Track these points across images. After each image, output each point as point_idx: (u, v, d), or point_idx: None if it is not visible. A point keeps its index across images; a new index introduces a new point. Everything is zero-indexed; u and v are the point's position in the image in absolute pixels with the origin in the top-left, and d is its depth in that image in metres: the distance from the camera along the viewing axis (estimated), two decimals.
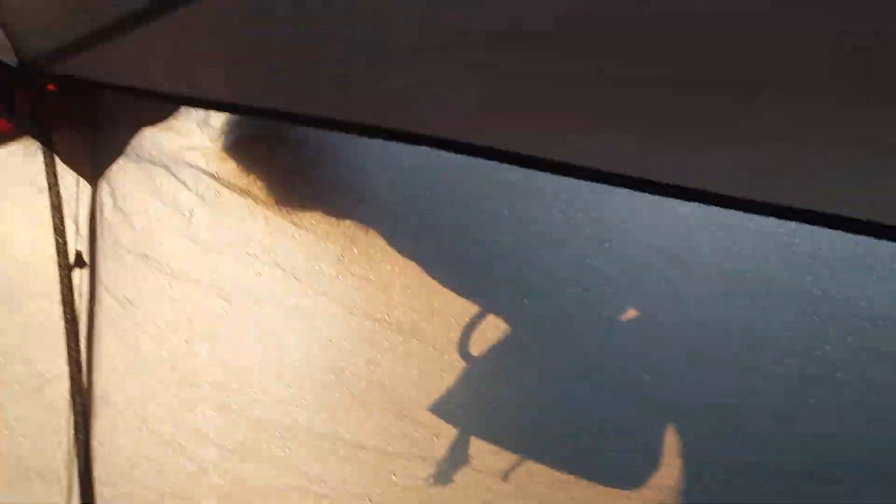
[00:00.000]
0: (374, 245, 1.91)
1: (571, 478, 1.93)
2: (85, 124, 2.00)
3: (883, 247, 1.49)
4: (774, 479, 1.72)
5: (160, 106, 1.94)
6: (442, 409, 2.02)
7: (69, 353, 2.15)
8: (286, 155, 1.94)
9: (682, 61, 1.10)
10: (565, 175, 1.31)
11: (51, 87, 1.81)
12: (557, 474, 1.94)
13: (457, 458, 2.06)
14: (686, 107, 1.19)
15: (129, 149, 2.05)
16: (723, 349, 1.68)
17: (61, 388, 2.37)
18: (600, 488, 1.90)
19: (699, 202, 1.30)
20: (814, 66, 1.09)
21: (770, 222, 1.56)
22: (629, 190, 1.49)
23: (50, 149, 1.89)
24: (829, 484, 1.69)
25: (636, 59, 1.11)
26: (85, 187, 2.14)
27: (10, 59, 1.62)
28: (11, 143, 2.01)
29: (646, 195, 1.58)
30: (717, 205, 1.30)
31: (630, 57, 1.11)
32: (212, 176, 1.98)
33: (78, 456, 2.42)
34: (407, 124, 1.38)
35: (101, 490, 2.52)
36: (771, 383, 1.66)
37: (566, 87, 1.19)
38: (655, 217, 1.63)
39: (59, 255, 1.97)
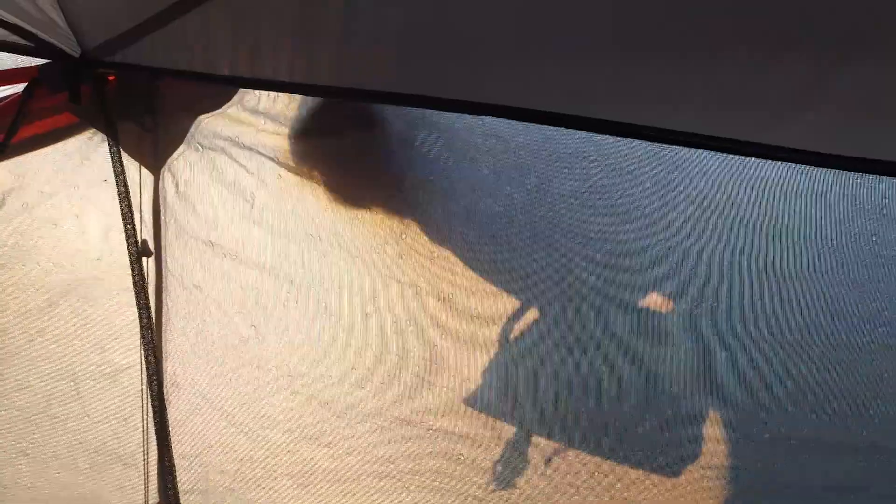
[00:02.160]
0: (435, 225, 1.88)
1: (626, 459, 1.89)
2: (145, 114, 2.02)
3: None
4: (866, 457, 1.64)
5: (217, 92, 1.95)
6: (507, 390, 1.98)
7: (143, 340, 2.19)
8: (349, 144, 1.92)
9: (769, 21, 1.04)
10: (631, 137, 1.25)
11: (111, 77, 1.83)
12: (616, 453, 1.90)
13: (521, 439, 2.03)
14: (774, 71, 1.12)
15: (188, 136, 2.06)
16: (808, 323, 1.59)
17: (133, 377, 2.43)
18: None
19: (784, 161, 1.22)
20: None
21: (856, 185, 1.46)
22: (700, 153, 1.43)
23: (115, 139, 1.91)
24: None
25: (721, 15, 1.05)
26: (148, 177, 2.17)
27: (74, 50, 1.63)
28: (77, 135, 2.05)
29: (716, 161, 1.52)
30: (804, 163, 1.22)
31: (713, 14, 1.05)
32: (272, 159, 1.97)
33: (163, 442, 2.48)
34: (469, 94, 1.34)
35: (176, 474, 2.59)
36: (862, 356, 1.57)
37: (643, 53, 1.13)
38: (730, 185, 1.55)
39: (128, 243, 2.01)
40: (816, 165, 1.19)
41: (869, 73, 1.08)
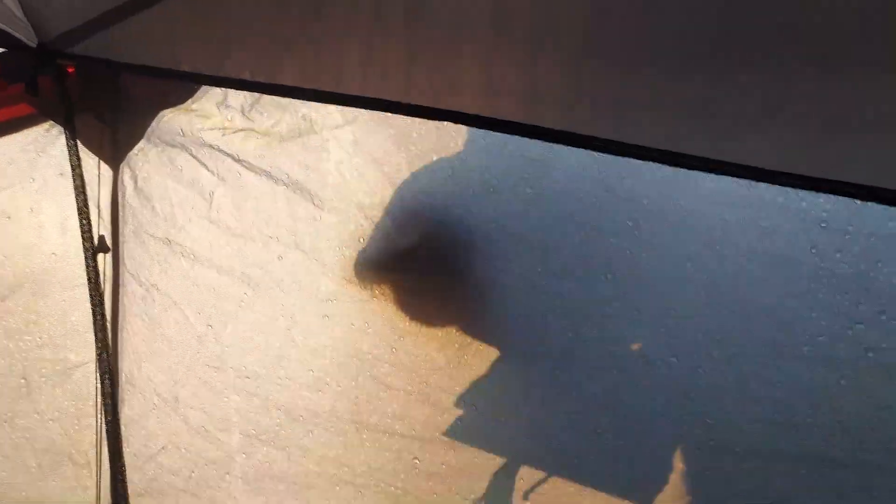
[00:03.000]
0: (394, 227, 1.89)
1: (600, 462, 1.91)
2: (104, 107, 2.00)
3: None
4: (805, 465, 1.68)
5: (179, 87, 1.94)
6: (465, 393, 2.00)
7: (96, 337, 2.16)
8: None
9: (719, 38, 1.08)
10: (591, 149, 1.28)
11: (70, 69, 1.81)
12: (585, 457, 1.92)
13: (481, 444, 2.04)
14: (725, 85, 1.16)
15: (148, 131, 2.04)
16: (751, 332, 1.63)
17: (88, 374, 2.39)
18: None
19: (730, 175, 1.26)
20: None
21: (798, 198, 1.51)
22: (656, 165, 1.46)
23: (72, 132, 1.89)
24: (860, 470, 1.65)
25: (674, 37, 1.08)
26: (106, 171, 2.15)
27: (31, 40, 1.62)
28: (34, 127, 2.03)
29: (668, 171, 1.55)
30: (749, 178, 1.26)
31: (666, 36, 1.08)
32: (232, 157, 1.97)
33: (113, 439, 2.45)
34: (430, 100, 1.36)
35: (128, 474, 2.55)
36: (801, 365, 1.62)
37: (600, 61, 1.16)
38: (683, 196, 1.59)
39: (83, 238, 1.98)
40: (758, 181, 1.24)
41: (821, 91, 1.13)
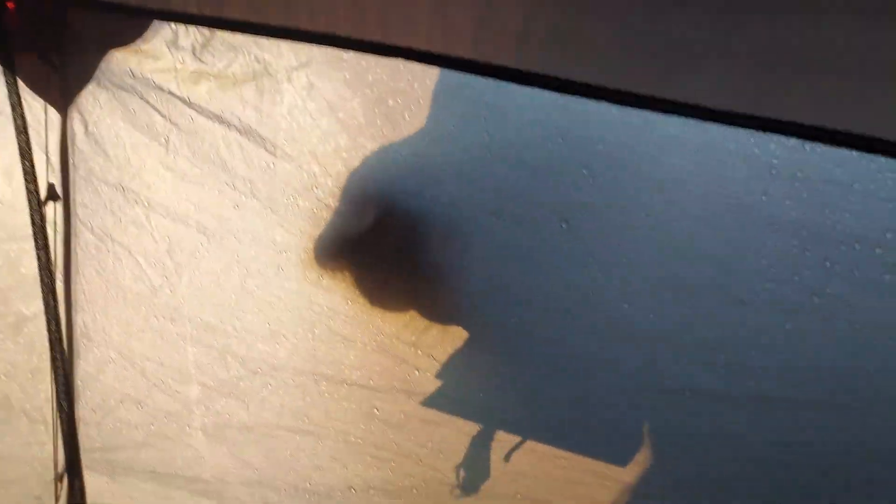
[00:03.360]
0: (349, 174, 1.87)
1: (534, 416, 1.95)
2: (50, 47, 1.93)
3: (862, 168, 1.46)
4: (751, 406, 1.73)
5: (127, 25, 1.87)
6: (420, 341, 2.01)
7: (43, 284, 2.12)
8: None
9: None
10: (542, 87, 1.27)
11: (10, 4, 1.74)
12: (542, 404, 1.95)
13: (439, 393, 2.06)
14: (677, 18, 1.16)
15: (97, 73, 1.98)
16: (702, 277, 1.66)
17: (41, 327, 2.35)
18: (580, 418, 1.91)
19: (681, 115, 1.27)
20: None
21: (750, 144, 1.52)
22: (607, 109, 1.46)
23: (10, 67, 1.82)
24: (805, 410, 1.69)
25: None
26: (55, 116, 2.08)
27: None
28: None
29: (623, 116, 1.56)
30: (699, 118, 1.26)
31: None
32: (185, 101, 1.92)
33: (59, 395, 2.42)
34: (384, 36, 1.34)
35: (85, 430, 2.53)
36: (749, 311, 1.65)
37: None
38: (636, 140, 1.59)
39: (26, 181, 1.93)
40: (710, 121, 1.24)
41: (763, 29, 1.13)
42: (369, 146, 1.79)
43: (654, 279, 1.67)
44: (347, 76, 1.76)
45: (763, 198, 1.55)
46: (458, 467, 2.09)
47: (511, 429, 1.98)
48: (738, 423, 1.75)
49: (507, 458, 1.99)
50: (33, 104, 2.00)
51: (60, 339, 2.23)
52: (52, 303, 2.07)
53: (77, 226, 2.21)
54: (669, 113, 1.29)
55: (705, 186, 1.55)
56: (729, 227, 1.58)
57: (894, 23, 1.09)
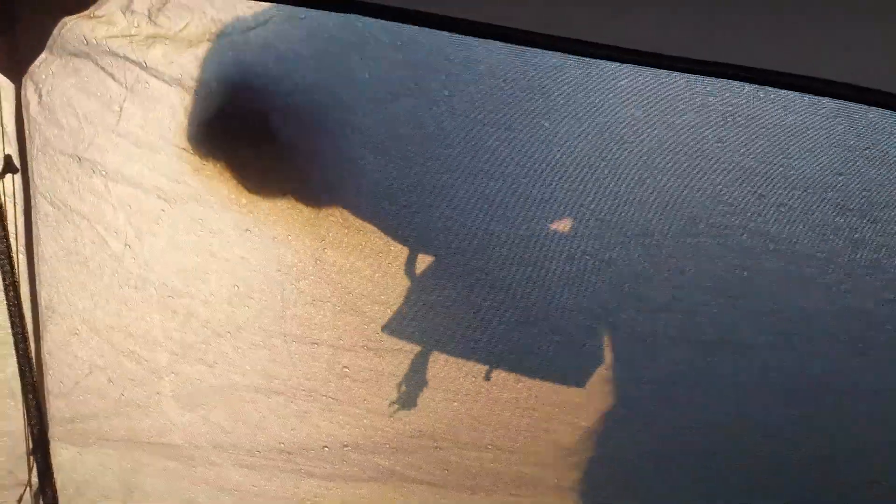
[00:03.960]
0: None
1: (515, 365, 1.99)
2: (1, 16, 1.87)
3: (813, 113, 1.50)
4: (708, 347, 1.79)
5: None
6: (389, 300, 2.03)
7: (2, 261, 2.09)
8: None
9: None
10: (483, 37, 1.27)
11: None
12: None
13: (405, 350, 2.09)
14: None
15: (50, 41, 1.93)
16: (662, 226, 1.69)
17: (3, 300, 2.32)
18: (545, 372, 1.96)
19: (634, 63, 1.28)
20: None
21: (706, 91, 1.55)
22: (567, 62, 1.47)
23: None
24: (760, 350, 1.75)
25: None
26: (8, 86, 2.03)
27: None
28: None
29: (581, 69, 1.57)
30: (650, 65, 1.28)
31: None
32: (139, 66, 1.88)
33: (25, 368, 2.40)
34: None
35: (54, 402, 2.52)
36: (709, 256, 1.69)
37: None
38: (595, 94, 1.60)
39: None
40: (658, 67, 1.26)
41: None
42: (326, 100, 1.78)
43: (616, 227, 1.70)
44: (304, 34, 1.74)
45: (719, 145, 1.58)
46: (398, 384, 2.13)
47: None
48: (696, 367, 1.81)
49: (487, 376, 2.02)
50: None
51: (21, 313, 2.20)
52: (11, 277, 2.04)
53: (36, 198, 2.17)
54: (620, 61, 1.30)
55: (663, 136, 1.58)
56: (686, 174, 1.61)
57: None
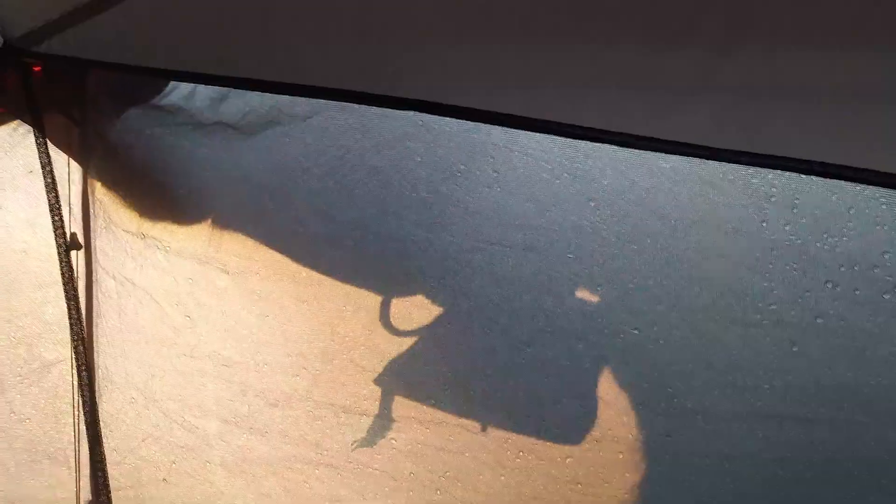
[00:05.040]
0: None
1: (545, 435, 2.00)
2: (73, 106, 2.01)
3: (856, 194, 1.53)
4: (762, 425, 1.78)
5: (147, 84, 1.95)
6: (440, 374, 2.06)
7: (72, 331, 2.18)
8: None
9: (655, 13, 1.13)
10: (547, 133, 1.34)
11: (37, 68, 1.82)
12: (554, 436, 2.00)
13: (455, 421, 2.11)
14: (663, 58, 1.22)
15: (117, 128, 2.06)
16: (708, 302, 1.72)
17: (63, 372, 2.40)
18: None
19: (681, 154, 1.33)
20: (796, 11, 1.12)
21: (747, 175, 1.59)
22: (612, 146, 1.53)
23: (40, 129, 1.90)
24: (812, 427, 1.74)
25: (611, 13, 1.14)
26: (76, 169, 2.16)
27: None
28: (1, 126, 2.03)
29: (628, 153, 1.63)
30: (698, 156, 1.33)
31: (606, 10, 1.14)
32: (202, 151, 1.99)
33: (87, 434, 2.46)
34: (400, 91, 1.41)
35: (108, 469, 2.57)
36: (755, 333, 1.70)
37: (545, 41, 1.22)
38: (639, 174, 1.66)
39: (55, 235, 2.00)
40: (704, 158, 1.31)
41: (754, 60, 1.20)
42: (383, 188, 1.86)
43: (662, 304, 1.73)
44: (353, 121, 1.83)
45: (763, 224, 1.61)
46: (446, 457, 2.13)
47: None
48: (746, 442, 1.79)
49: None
50: (56, 158, 2.07)
51: (92, 384, 2.28)
52: (82, 351, 2.14)
53: (99, 272, 2.27)
54: (667, 153, 1.36)
55: (707, 216, 1.62)
56: (731, 253, 1.64)
57: (875, 56, 1.15)
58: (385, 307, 2.05)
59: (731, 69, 1.22)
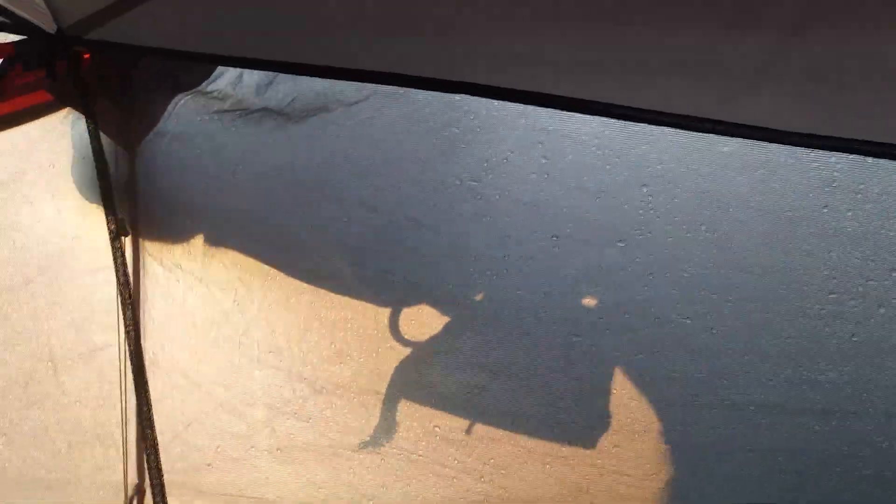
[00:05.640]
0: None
1: (589, 428, 1.97)
2: (121, 93, 2.03)
3: None
4: (817, 419, 1.73)
5: (194, 70, 1.96)
6: (484, 362, 2.05)
7: (123, 317, 2.21)
8: None
9: None
10: (605, 115, 1.30)
11: (86, 55, 1.84)
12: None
13: (501, 409, 2.09)
14: (728, 41, 1.18)
15: (165, 115, 2.07)
16: (765, 291, 1.67)
17: (112, 356, 2.44)
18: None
19: (744, 137, 1.29)
20: None
21: (809, 159, 1.54)
22: (667, 129, 1.49)
23: (92, 116, 1.92)
24: (870, 422, 1.69)
25: None
26: (124, 156, 2.18)
27: (50, 26, 1.64)
28: (52, 114, 2.06)
29: (682, 136, 1.59)
30: (763, 139, 1.29)
31: None
32: (249, 138, 2.00)
33: (138, 417, 2.49)
34: (445, 73, 1.39)
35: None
36: (813, 323, 1.66)
37: (605, 24, 1.18)
38: (694, 159, 1.62)
39: (107, 220, 2.02)
40: (771, 142, 1.26)
41: (823, 46, 1.15)
42: (429, 175, 1.84)
43: (717, 294, 1.69)
44: (405, 109, 1.82)
45: (824, 209, 1.56)
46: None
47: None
48: (805, 436, 1.75)
49: None
50: (105, 145, 2.09)
51: (141, 368, 2.31)
52: (132, 335, 2.17)
53: (146, 258, 2.30)
54: (730, 135, 1.31)
55: (767, 202, 1.57)
56: (791, 240, 1.59)
57: None
58: (429, 297, 2.04)
59: (799, 53, 1.18)
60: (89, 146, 1.99)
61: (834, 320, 1.63)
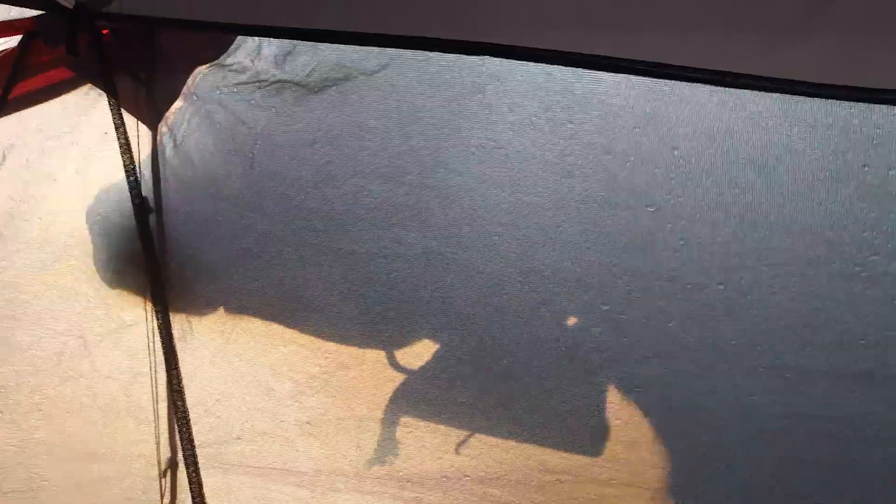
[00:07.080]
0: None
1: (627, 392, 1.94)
2: (141, 68, 2.02)
3: None
4: (857, 384, 1.69)
5: (213, 43, 1.94)
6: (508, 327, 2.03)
7: (151, 294, 2.23)
8: None
9: None
10: (636, 74, 1.26)
11: (105, 31, 1.82)
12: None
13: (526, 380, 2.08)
14: None
15: (185, 89, 2.06)
16: (803, 254, 1.62)
17: (141, 333, 2.46)
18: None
19: (782, 92, 1.24)
20: None
21: (849, 115, 1.48)
22: (697, 88, 1.44)
23: (113, 92, 1.91)
24: None
25: None
26: (145, 132, 2.17)
27: (68, 1, 1.63)
28: (74, 90, 2.05)
29: (714, 95, 1.53)
30: (802, 94, 1.24)
31: None
32: (269, 111, 1.97)
33: (174, 395, 2.53)
34: (468, 34, 1.35)
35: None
36: (852, 286, 1.61)
37: None
38: (725, 119, 1.56)
39: (131, 195, 2.02)
40: (809, 96, 1.21)
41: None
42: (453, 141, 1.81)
43: (751, 257, 1.64)
44: (426, 76, 1.78)
45: (865, 168, 1.50)
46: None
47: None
48: (845, 402, 1.71)
49: None
50: (126, 121, 2.09)
51: (172, 345, 2.33)
52: (161, 313, 2.18)
53: (170, 235, 2.30)
54: (767, 90, 1.26)
55: (802, 161, 1.52)
56: (830, 200, 1.54)
57: None
58: (453, 264, 2.01)
59: (842, 3, 1.12)
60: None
61: (875, 283, 1.58)
